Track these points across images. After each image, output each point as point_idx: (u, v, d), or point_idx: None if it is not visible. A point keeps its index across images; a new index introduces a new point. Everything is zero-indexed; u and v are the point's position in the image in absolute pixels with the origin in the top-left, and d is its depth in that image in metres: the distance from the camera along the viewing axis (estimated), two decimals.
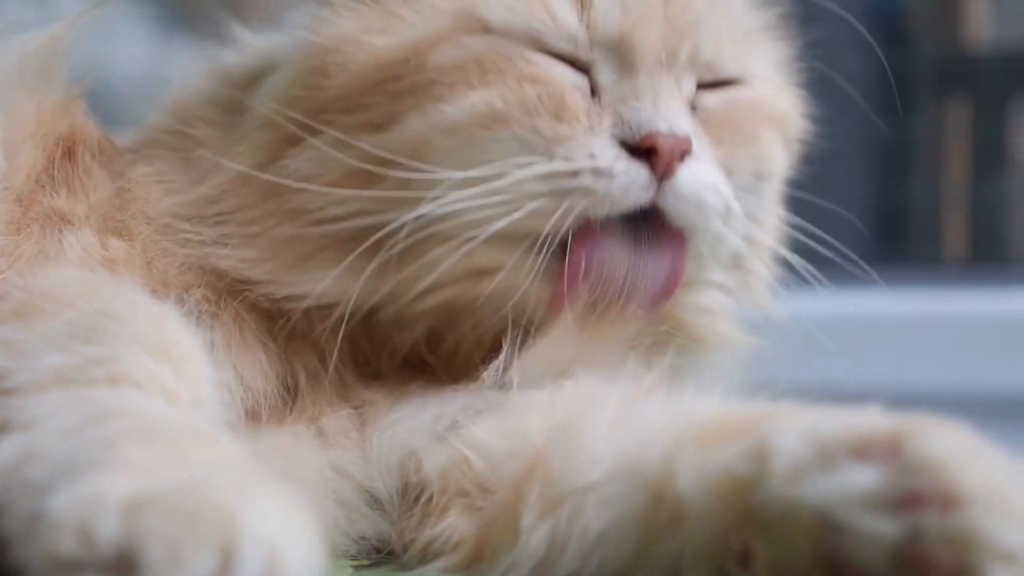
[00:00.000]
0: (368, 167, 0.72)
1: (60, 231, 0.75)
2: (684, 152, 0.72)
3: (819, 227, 0.86)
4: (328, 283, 0.73)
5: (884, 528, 0.49)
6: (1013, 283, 1.67)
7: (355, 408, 0.74)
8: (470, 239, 0.71)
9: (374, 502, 0.72)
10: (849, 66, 0.91)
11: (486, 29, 0.73)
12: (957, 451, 0.50)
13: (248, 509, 0.45)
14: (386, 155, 0.72)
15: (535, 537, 0.64)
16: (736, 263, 0.82)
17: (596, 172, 0.71)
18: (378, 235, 0.71)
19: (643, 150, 0.72)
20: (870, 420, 0.53)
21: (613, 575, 0.62)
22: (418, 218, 0.71)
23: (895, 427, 0.52)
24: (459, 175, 0.71)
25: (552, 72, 0.73)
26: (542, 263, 0.72)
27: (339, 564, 0.68)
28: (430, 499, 0.70)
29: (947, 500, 0.49)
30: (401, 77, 0.73)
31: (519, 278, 0.72)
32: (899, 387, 0.77)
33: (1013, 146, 2.02)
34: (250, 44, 0.85)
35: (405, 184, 0.71)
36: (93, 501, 0.45)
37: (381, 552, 0.72)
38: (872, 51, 0.97)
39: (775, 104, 0.82)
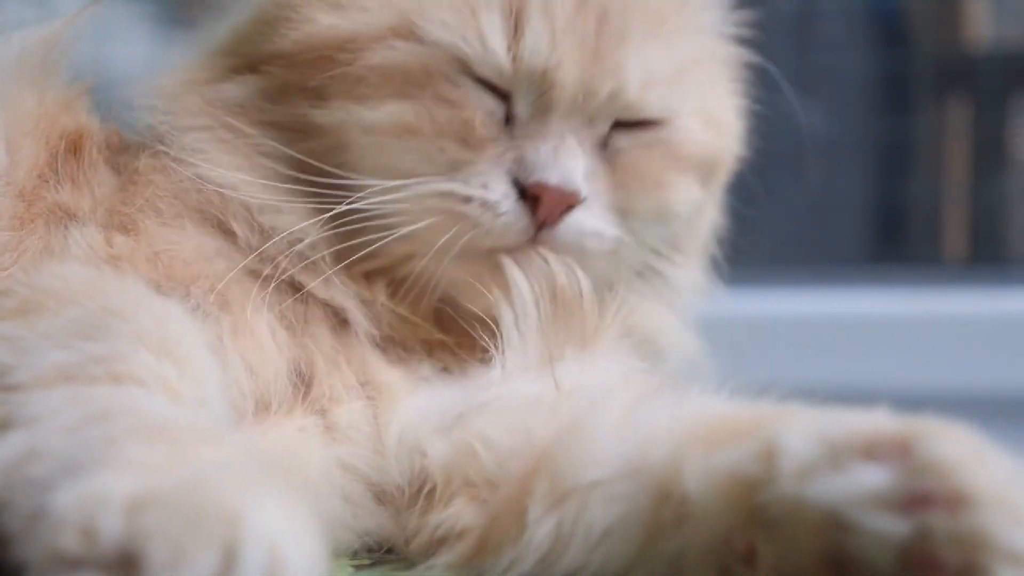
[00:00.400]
0: (295, 125, 0.77)
1: (65, 227, 0.76)
2: (569, 206, 0.75)
3: (819, 225, 0.86)
4: (296, 218, 0.76)
5: (892, 527, 0.50)
6: (1013, 283, 1.67)
7: (370, 398, 0.75)
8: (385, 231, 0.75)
9: (380, 497, 0.72)
10: (849, 65, 0.91)
11: (419, 39, 0.75)
12: (966, 453, 0.51)
13: (250, 508, 0.45)
14: (313, 122, 0.76)
15: (540, 531, 0.64)
16: (643, 278, 0.84)
17: (484, 204, 0.75)
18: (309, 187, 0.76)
19: (532, 195, 0.75)
20: (878, 422, 0.54)
21: (615, 573, 0.62)
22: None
23: (904, 429, 0.52)
24: (371, 181, 0.75)
25: (469, 98, 0.76)
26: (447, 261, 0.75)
27: (339, 564, 0.68)
28: (435, 488, 0.71)
29: (956, 501, 0.49)
30: (335, 61, 0.76)
31: (436, 266, 0.76)
32: (899, 387, 0.78)
33: (1013, 146, 2.02)
34: None
35: (323, 163, 0.76)
36: (96, 499, 0.45)
37: (383, 550, 0.72)
38: (872, 51, 0.97)
39: (697, 144, 0.82)
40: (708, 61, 0.84)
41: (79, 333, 0.61)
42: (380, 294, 0.77)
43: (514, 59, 0.75)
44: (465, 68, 0.75)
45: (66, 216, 0.76)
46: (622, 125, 0.79)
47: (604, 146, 0.78)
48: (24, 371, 0.58)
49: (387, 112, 0.75)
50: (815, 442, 0.53)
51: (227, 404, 0.66)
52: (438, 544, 0.69)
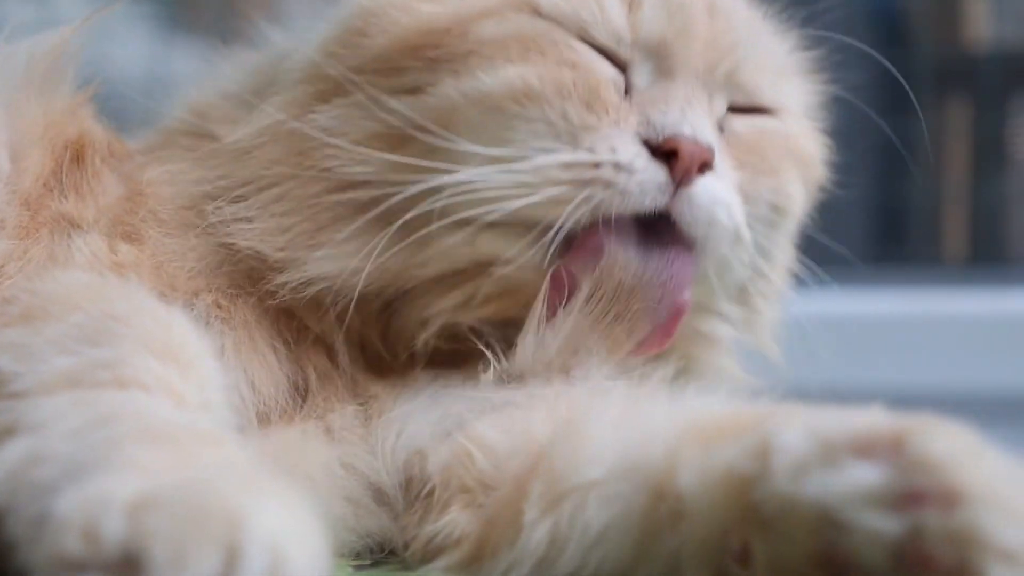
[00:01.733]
0: (394, 130, 0.73)
1: (69, 235, 0.75)
2: (704, 162, 0.73)
3: (819, 225, 0.86)
4: (340, 261, 0.73)
5: (885, 525, 0.49)
6: (1013, 283, 1.67)
7: (361, 405, 0.75)
8: (479, 218, 0.71)
9: (380, 498, 0.72)
10: (850, 65, 0.91)
11: (535, 11, 0.74)
12: (959, 451, 0.50)
13: (252, 509, 0.45)
14: (414, 119, 0.72)
15: (536, 534, 0.64)
16: (742, 297, 0.82)
17: (617, 166, 0.71)
18: (393, 201, 0.72)
19: (664, 152, 0.72)
20: (873, 419, 0.53)
21: (612, 574, 0.62)
22: (434, 189, 0.71)
23: (898, 426, 0.52)
24: (483, 150, 0.71)
25: (591, 62, 0.74)
26: (544, 256, 0.72)
27: (339, 564, 0.68)
28: (432, 494, 0.70)
29: (949, 498, 0.49)
30: (440, 45, 0.74)
31: (518, 270, 0.73)
32: (898, 387, 0.77)
33: (1013, 146, 2.02)
34: (280, 40, 0.85)
35: (427, 152, 0.72)
36: (98, 501, 0.45)
37: (383, 551, 0.72)
38: (873, 50, 0.97)
39: (802, 143, 0.83)
40: (796, 77, 0.85)
41: (84, 338, 0.61)
42: (375, 337, 0.76)
43: (632, 27, 0.75)
44: (584, 36, 0.74)
45: (70, 225, 0.76)
46: (735, 110, 0.79)
47: (721, 129, 0.78)
48: (29, 377, 0.58)
49: (508, 76, 0.72)
50: (809, 439, 0.53)
51: (231, 409, 0.66)
52: (435, 552, 0.69)
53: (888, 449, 0.51)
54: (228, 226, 0.75)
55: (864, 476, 0.50)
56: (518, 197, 0.71)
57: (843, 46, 0.89)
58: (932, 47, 2.02)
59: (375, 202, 0.73)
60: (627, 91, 0.75)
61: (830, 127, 0.89)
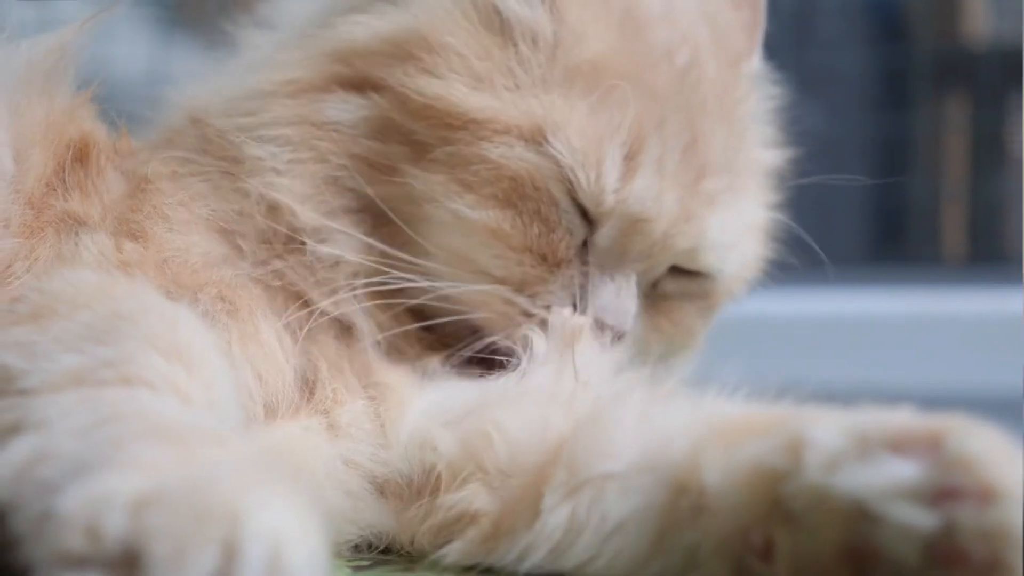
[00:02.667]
0: (385, 160, 0.77)
1: (76, 234, 0.76)
2: (617, 337, 0.80)
3: (818, 224, 0.86)
4: (341, 248, 0.78)
5: (920, 519, 0.50)
6: (1011, 282, 1.68)
7: (372, 399, 0.76)
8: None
9: (383, 491, 0.73)
10: (848, 63, 0.92)
11: (540, 151, 0.76)
12: (995, 450, 0.51)
13: (253, 507, 0.46)
14: (406, 181, 0.77)
15: (554, 518, 0.65)
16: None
17: (543, 323, 0.77)
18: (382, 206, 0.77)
19: None
20: (906, 417, 0.54)
21: (626, 566, 0.63)
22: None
23: (933, 424, 0.52)
24: (437, 265, 0.77)
25: (562, 220, 0.78)
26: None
27: (337, 565, 0.69)
28: (446, 475, 0.71)
29: (984, 495, 0.50)
30: (455, 130, 0.77)
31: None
32: (898, 386, 0.78)
33: (1011, 143, 2.03)
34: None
35: (403, 216, 0.77)
36: (101, 499, 0.46)
37: (381, 551, 0.73)
38: (871, 47, 0.98)
39: (731, 292, 0.87)
40: (765, 207, 0.88)
41: (90, 337, 0.61)
42: (398, 316, 0.79)
43: (618, 200, 0.77)
44: (570, 191, 0.77)
45: (76, 224, 0.76)
46: (676, 270, 0.83)
47: (654, 285, 0.83)
48: (36, 375, 0.58)
49: (487, 215, 0.77)
50: (843, 435, 0.53)
51: (237, 407, 0.67)
52: (451, 525, 0.69)
53: (924, 446, 0.51)
54: (262, 170, 0.78)
55: (900, 471, 0.51)
56: (461, 308, 0.78)
57: (842, 44, 0.89)
58: (930, 43, 2.02)
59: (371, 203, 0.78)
60: (586, 243, 0.79)
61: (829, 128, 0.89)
